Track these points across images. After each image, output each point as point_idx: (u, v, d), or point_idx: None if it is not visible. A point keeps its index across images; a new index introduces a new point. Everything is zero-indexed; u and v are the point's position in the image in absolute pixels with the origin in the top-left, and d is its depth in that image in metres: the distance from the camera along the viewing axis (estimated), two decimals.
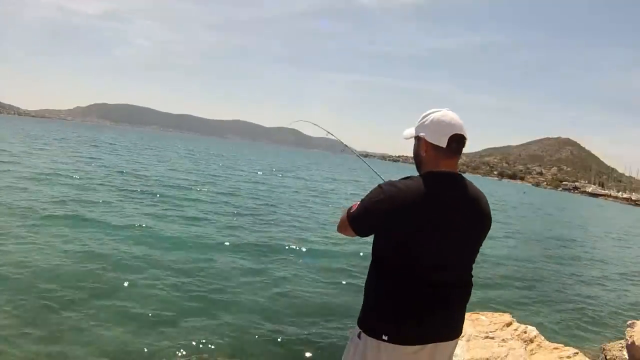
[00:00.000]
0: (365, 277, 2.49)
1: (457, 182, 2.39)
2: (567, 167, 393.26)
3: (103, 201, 15.46)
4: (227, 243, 11.82)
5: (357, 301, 7.71)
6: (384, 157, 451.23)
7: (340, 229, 2.56)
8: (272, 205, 20.77)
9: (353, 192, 32.73)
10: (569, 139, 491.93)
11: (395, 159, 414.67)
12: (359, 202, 2.42)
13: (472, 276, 2.51)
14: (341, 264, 11.31)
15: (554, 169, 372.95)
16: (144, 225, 12.48)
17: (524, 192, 78.36)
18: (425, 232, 2.25)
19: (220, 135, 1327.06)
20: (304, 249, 12.29)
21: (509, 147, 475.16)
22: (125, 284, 7.89)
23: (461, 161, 2.68)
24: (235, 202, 20.17)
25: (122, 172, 25.04)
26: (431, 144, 2.38)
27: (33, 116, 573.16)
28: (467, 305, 2.51)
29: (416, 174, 2.47)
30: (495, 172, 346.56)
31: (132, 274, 8.39)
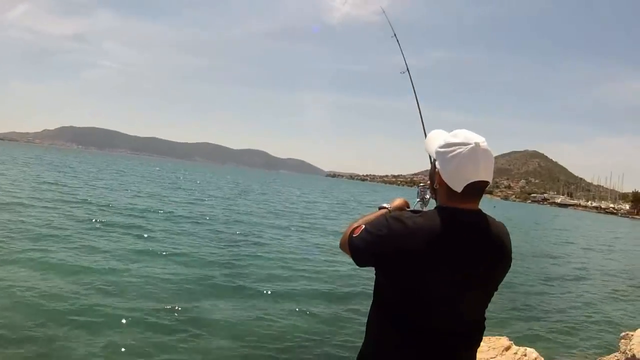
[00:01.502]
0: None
1: (477, 221, 2.01)
2: (535, 179, 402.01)
3: (64, 234, 13.94)
4: (200, 270, 11.30)
5: (333, 332, 7.10)
6: (351, 177, 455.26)
7: (342, 247, 2.21)
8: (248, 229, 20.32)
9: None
10: (536, 151, 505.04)
11: (363, 178, 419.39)
12: (362, 226, 2.08)
13: (485, 319, 2.16)
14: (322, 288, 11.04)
15: (522, 182, 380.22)
16: (108, 259, 11.34)
17: (494, 207, 79.71)
18: (434, 281, 1.92)
19: (188, 158, 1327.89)
20: (281, 277, 11.91)
21: None
22: (95, 321, 7.32)
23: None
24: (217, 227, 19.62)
25: (86, 200, 23.26)
26: (446, 183, 1.98)
27: (1, 139, 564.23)
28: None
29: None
30: None
31: (101, 310, 7.79)
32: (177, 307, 8.30)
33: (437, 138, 2.10)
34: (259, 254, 13.79)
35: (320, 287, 10.84)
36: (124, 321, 7.34)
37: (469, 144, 1.93)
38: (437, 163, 2.04)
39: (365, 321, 2.17)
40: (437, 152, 2.03)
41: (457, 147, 1.94)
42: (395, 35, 3.32)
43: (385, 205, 2.31)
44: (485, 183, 1.97)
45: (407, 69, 3.10)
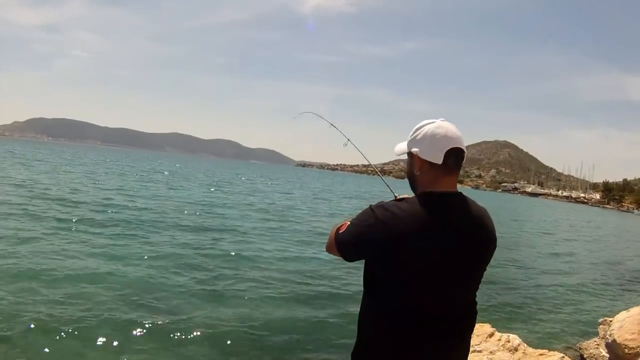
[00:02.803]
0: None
1: (458, 203, 2.09)
2: (505, 169, 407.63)
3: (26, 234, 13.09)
4: (171, 268, 10.80)
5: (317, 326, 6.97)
6: (322, 167, 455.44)
7: (328, 248, 2.26)
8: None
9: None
10: (506, 141, 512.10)
11: (334, 168, 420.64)
12: (347, 222, 2.14)
13: (476, 303, 2.22)
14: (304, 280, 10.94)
15: (493, 171, 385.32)
16: (74, 259, 10.56)
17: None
18: (425, 263, 1.96)
19: (159, 148, 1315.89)
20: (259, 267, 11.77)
21: None
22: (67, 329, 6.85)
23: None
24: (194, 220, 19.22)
25: (51, 196, 21.36)
26: (426, 160, 2.09)
27: None
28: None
29: (403, 189, 2.28)
30: None
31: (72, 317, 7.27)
32: (150, 311, 7.91)
33: (401, 143, 2.27)
34: (234, 252, 13.27)
35: (298, 287, 10.51)
36: (94, 328, 6.89)
37: (434, 121, 2.13)
38: (413, 149, 2.14)
39: (354, 319, 2.19)
40: (410, 141, 2.17)
41: (425, 126, 2.12)
42: (332, 125, 3.67)
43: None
44: (462, 151, 2.09)
45: (349, 140, 3.40)
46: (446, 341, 2.05)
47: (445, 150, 2.03)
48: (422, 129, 2.11)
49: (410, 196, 2.13)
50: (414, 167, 2.15)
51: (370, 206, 2.07)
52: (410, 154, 2.17)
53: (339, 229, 2.17)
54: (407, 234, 1.92)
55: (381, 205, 2.03)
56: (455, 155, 2.06)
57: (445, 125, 2.09)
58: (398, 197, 2.20)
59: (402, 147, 2.24)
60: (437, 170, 2.06)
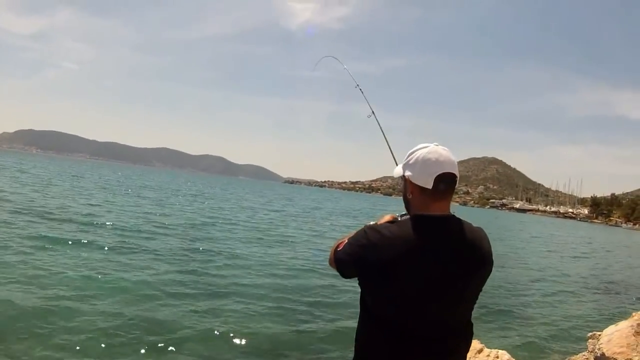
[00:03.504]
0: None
1: (450, 227, 2.11)
2: (493, 185, 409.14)
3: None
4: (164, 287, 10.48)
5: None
6: (310, 183, 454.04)
7: (330, 263, 2.31)
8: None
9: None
10: (494, 158, 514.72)
11: (322, 185, 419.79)
12: (346, 240, 2.19)
13: (471, 325, 2.23)
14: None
15: (481, 188, 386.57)
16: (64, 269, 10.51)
17: (454, 212, 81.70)
18: (414, 286, 2.01)
19: (147, 163, 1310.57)
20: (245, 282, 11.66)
21: None
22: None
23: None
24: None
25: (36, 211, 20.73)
26: (417, 185, 2.12)
27: None
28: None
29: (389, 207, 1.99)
30: None
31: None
32: (139, 318, 7.92)
33: (400, 165, 2.28)
34: (222, 263, 13.38)
35: (291, 300, 10.46)
36: (83, 334, 6.91)
37: (428, 145, 2.15)
38: (405, 173, 2.18)
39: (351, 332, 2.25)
40: (404, 165, 2.20)
41: (418, 151, 2.15)
42: (358, 85, 3.54)
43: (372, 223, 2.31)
44: (453, 175, 2.11)
45: (373, 112, 3.26)
46: None
47: (435, 176, 2.06)
48: (415, 153, 2.15)
49: (396, 215, 2.23)
50: (407, 191, 2.19)
51: (365, 227, 2.12)
52: (404, 177, 2.21)
53: (338, 246, 2.22)
54: (395, 257, 1.97)
55: (373, 227, 2.09)
56: (445, 181, 2.08)
57: (437, 150, 2.12)
58: (385, 218, 2.23)
59: (399, 169, 2.27)
60: (427, 194, 2.09)
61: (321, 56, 3.72)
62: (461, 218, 2.16)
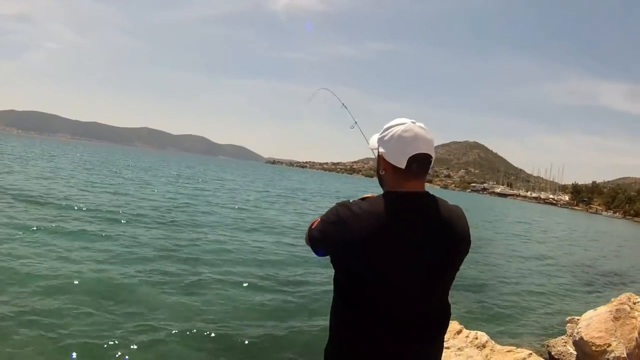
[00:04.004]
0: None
1: (423, 203, 2.04)
2: (474, 169, 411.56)
3: None
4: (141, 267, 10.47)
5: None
6: (291, 164, 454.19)
7: (306, 241, 2.25)
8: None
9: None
10: (476, 142, 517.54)
11: (303, 165, 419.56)
12: (319, 218, 2.14)
13: (448, 306, 2.15)
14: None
15: (462, 172, 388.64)
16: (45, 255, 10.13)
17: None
18: (385, 264, 1.94)
19: (129, 143, 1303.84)
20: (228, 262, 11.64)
21: None
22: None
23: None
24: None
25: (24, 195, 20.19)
26: (389, 163, 2.06)
27: None
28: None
29: (369, 187, 1.88)
30: None
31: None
32: (122, 304, 7.80)
33: (376, 134, 2.22)
34: (208, 249, 13.06)
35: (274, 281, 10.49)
36: (67, 320, 6.80)
37: (404, 122, 2.07)
38: (379, 149, 2.12)
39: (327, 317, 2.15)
40: (378, 140, 2.14)
41: (393, 127, 2.07)
42: (344, 105, 3.27)
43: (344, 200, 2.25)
44: (428, 156, 2.04)
45: (356, 122, 3.04)
46: (409, 344, 1.99)
47: (410, 156, 2.00)
48: (391, 130, 2.08)
49: (374, 195, 2.13)
50: (380, 167, 2.15)
51: (336, 204, 2.07)
52: (377, 151, 2.16)
53: (312, 223, 2.17)
54: (366, 234, 1.91)
55: (344, 204, 2.03)
56: (419, 161, 2.02)
57: (413, 129, 2.04)
58: (363, 196, 2.16)
59: (373, 142, 2.22)
60: (399, 173, 2.04)
61: (316, 88, 3.53)
62: (436, 195, 2.08)
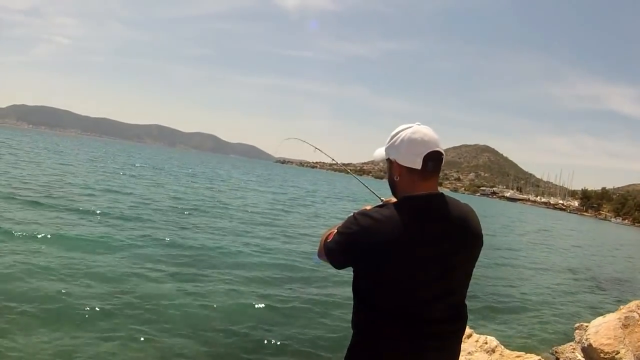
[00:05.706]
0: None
1: (439, 205, 2.11)
2: (484, 173, 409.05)
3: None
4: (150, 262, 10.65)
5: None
6: (301, 164, 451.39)
7: (319, 255, 2.31)
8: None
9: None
10: (487, 146, 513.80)
11: (313, 165, 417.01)
12: (335, 230, 2.17)
13: (465, 306, 2.21)
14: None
15: (472, 175, 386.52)
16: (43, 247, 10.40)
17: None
18: (408, 267, 2.01)
19: (139, 139, 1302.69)
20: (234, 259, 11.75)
21: None
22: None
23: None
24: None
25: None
26: (404, 166, 2.12)
27: None
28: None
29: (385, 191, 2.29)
30: None
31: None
32: (126, 298, 7.91)
33: (380, 148, 2.29)
34: (214, 248, 13.11)
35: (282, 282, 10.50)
36: (69, 316, 6.90)
37: (410, 125, 2.15)
38: (390, 157, 2.17)
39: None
40: (388, 148, 2.19)
41: (401, 132, 2.14)
42: (317, 148, 3.46)
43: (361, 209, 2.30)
44: (440, 154, 2.12)
45: (335, 160, 3.34)
46: (429, 343, 2.05)
47: (423, 155, 2.07)
48: (399, 134, 2.14)
49: (393, 200, 2.18)
50: (394, 173, 2.18)
51: (354, 214, 2.11)
52: (389, 160, 2.20)
53: (327, 237, 2.20)
54: (388, 239, 1.97)
55: (363, 213, 2.08)
56: (433, 159, 2.10)
57: (421, 129, 2.13)
58: (382, 202, 2.23)
59: (380, 153, 2.28)
60: (416, 175, 2.09)
61: (284, 137, 3.58)
62: (448, 195, 2.16)
